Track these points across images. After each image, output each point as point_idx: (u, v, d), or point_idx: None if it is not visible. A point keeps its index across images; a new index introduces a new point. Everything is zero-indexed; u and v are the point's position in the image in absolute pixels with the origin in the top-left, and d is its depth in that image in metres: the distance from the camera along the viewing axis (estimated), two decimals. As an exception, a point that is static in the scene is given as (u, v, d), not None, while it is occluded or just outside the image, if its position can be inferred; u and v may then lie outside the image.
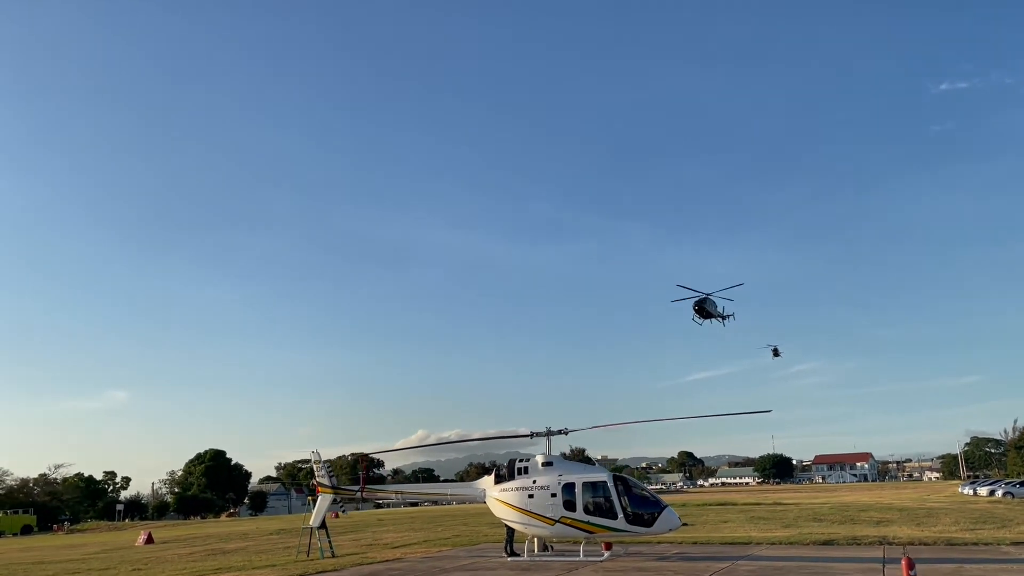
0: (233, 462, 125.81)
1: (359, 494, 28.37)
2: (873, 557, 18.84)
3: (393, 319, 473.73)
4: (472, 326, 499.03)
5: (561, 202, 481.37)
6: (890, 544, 21.46)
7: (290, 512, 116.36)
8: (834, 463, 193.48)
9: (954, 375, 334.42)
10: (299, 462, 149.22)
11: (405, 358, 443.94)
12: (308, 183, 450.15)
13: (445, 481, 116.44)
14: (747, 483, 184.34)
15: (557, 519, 20.98)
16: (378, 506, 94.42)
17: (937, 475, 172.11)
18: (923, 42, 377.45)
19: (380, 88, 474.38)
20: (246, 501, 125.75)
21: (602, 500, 20.53)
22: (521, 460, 22.77)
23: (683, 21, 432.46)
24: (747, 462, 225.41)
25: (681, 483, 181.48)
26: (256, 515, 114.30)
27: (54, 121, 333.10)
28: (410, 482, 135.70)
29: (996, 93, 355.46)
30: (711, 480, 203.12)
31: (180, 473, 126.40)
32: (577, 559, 20.67)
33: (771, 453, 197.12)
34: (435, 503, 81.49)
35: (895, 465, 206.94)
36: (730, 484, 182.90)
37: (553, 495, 21.11)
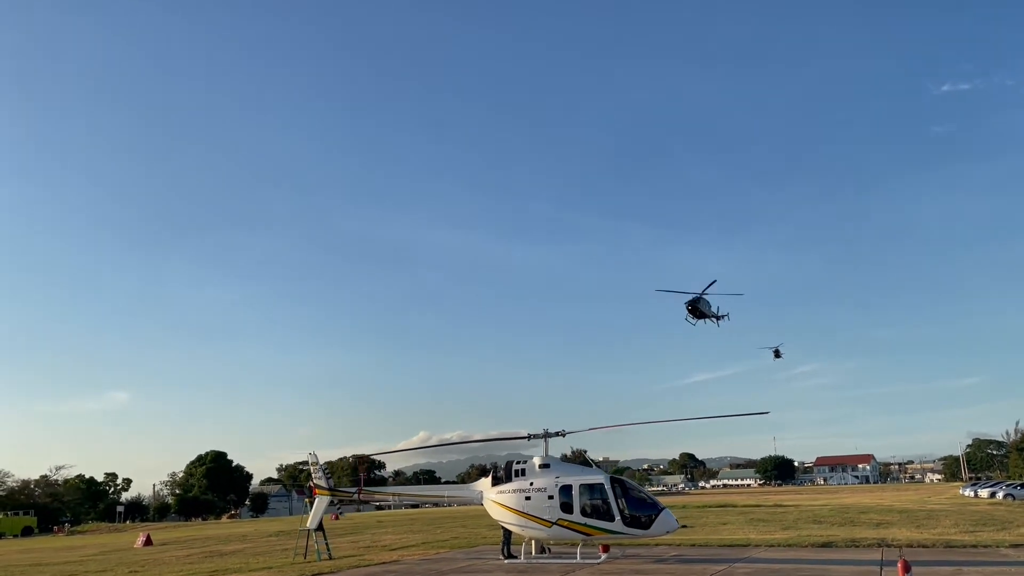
0: (234, 463, 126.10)
1: (356, 496, 28.36)
2: (871, 560, 18.80)
3: (393, 319, 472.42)
4: (473, 326, 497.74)
5: (561, 202, 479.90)
6: (888, 546, 21.40)
7: (291, 514, 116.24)
8: (836, 465, 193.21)
9: (956, 376, 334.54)
10: (300, 463, 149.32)
11: (406, 359, 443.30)
12: (308, 183, 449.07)
13: (446, 483, 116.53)
14: (748, 485, 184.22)
15: (554, 521, 20.89)
16: (379, 508, 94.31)
17: (939, 477, 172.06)
18: (924, 42, 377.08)
19: (380, 88, 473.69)
20: (247, 503, 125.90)
21: (599, 502, 20.45)
22: (518, 462, 22.66)
23: (683, 21, 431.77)
24: (749, 464, 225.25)
25: (682, 485, 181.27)
26: (257, 517, 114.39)
27: (54, 121, 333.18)
28: (411, 484, 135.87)
29: (997, 94, 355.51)
30: (712, 482, 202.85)
31: (181, 474, 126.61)
32: (574, 561, 20.63)
33: (773, 455, 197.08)
34: (435, 505, 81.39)
35: (897, 467, 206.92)
36: (731, 486, 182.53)
37: (550, 497, 21.01)
